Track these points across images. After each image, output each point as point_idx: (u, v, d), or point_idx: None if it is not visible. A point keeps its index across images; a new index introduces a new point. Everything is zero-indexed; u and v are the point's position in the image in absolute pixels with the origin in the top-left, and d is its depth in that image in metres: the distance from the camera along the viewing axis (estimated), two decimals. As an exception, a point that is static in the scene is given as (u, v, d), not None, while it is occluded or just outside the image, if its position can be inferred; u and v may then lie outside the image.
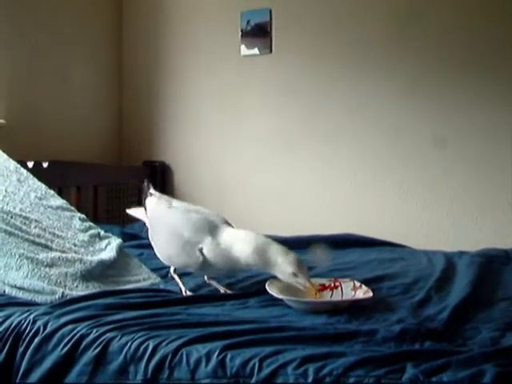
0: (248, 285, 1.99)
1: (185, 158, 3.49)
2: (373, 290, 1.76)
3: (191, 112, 3.49)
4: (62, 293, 1.75)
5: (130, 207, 3.31)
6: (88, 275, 1.88)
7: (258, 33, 3.29)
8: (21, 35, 3.10)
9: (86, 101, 3.44)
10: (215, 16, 3.41)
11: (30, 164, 2.65)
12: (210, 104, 3.44)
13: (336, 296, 1.78)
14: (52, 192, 2.33)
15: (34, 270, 1.82)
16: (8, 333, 1.54)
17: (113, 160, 3.57)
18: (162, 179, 3.48)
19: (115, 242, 2.14)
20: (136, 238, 2.80)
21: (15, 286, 1.78)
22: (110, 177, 3.30)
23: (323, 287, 1.82)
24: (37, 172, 2.50)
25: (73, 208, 2.31)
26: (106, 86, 3.61)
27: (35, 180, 2.35)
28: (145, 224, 2.05)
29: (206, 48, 3.44)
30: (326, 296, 1.79)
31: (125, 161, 3.60)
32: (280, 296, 1.72)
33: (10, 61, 3.05)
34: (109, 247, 2.10)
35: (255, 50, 3.30)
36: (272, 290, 1.75)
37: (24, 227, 1.99)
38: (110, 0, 3.63)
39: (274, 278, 1.77)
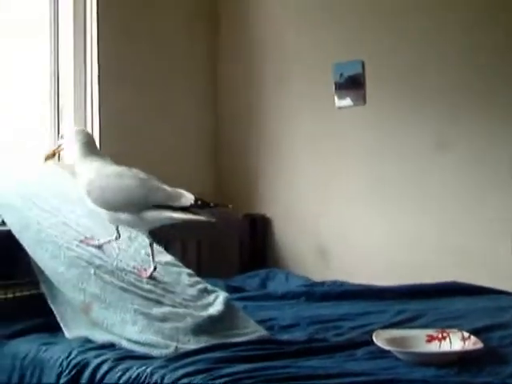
0: (354, 335, 2.01)
1: (285, 210, 3.54)
2: (483, 341, 1.74)
3: (288, 164, 3.55)
4: (176, 347, 1.82)
5: (231, 260, 3.45)
6: (198, 329, 1.94)
7: (352, 85, 3.33)
8: (125, 73, 3.30)
9: (186, 157, 3.59)
10: (309, 68, 3.48)
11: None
12: (306, 155, 3.49)
13: (444, 347, 1.77)
14: (160, 248, 2.44)
15: (148, 324, 1.90)
16: (128, 386, 1.63)
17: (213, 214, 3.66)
18: (263, 231, 3.55)
19: (222, 295, 2.21)
20: (239, 290, 2.88)
21: (131, 340, 1.88)
22: (212, 230, 3.39)
23: (431, 338, 1.81)
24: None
25: (180, 264, 2.41)
26: (202, 146, 3.75)
27: (144, 237, 2.46)
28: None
29: (301, 100, 3.51)
30: (434, 347, 1.77)
31: (225, 215, 3.69)
32: (388, 347, 1.72)
33: (115, 98, 3.23)
34: (217, 301, 2.16)
35: (349, 102, 3.35)
36: (379, 341, 1.76)
37: (137, 283, 2.09)
38: (207, 42, 3.79)
39: (381, 329, 1.78)
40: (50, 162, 2.35)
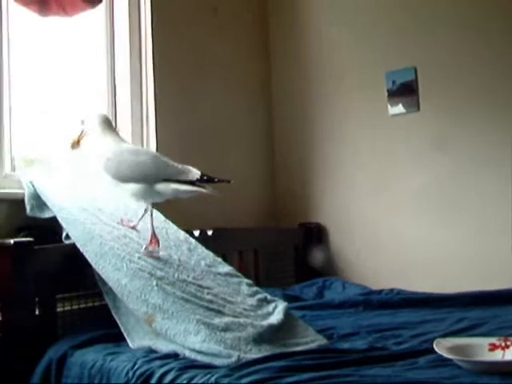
0: (415, 344, 2.01)
1: (339, 218, 3.55)
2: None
3: (342, 173, 3.56)
4: (238, 356, 1.85)
5: (288, 269, 3.48)
6: (259, 339, 1.98)
7: (404, 92, 3.33)
8: (186, 102, 3.37)
9: (242, 170, 3.63)
10: (361, 78, 3.49)
11: (197, 233, 2.83)
12: (359, 164, 3.50)
13: (508, 356, 1.75)
14: (219, 259, 2.49)
15: (210, 334, 1.94)
16: (194, 394, 1.67)
17: (269, 223, 3.71)
18: (318, 240, 3.56)
19: (281, 305, 2.24)
20: (297, 299, 2.90)
21: (194, 350, 1.92)
22: (268, 240, 3.42)
23: (493, 346, 1.79)
24: (202, 240, 2.68)
25: (239, 274, 2.45)
26: (258, 156, 3.80)
27: (203, 248, 2.52)
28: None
29: (354, 109, 3.52)
30: (498, 356, 1.76)
31: (281, 223, 3.73)
32: (450, 356, 1.72)
33: (177, 124, 3.30)
34: (276, 310, 2.20)
35: (402, 109, 3.34)
36: (440, 349, 1.75)
37: (198, 294, 2.14)
38: (260, 60, 3.85)
39: (442, 337, 1.78)
40: (76, 149, 2.47)
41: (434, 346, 1.78)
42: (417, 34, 3.28)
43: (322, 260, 3.06)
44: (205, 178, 2.24)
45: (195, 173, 2.25)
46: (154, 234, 2.35)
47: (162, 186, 2.27)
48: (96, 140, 2.39)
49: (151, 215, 2.38)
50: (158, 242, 2.35)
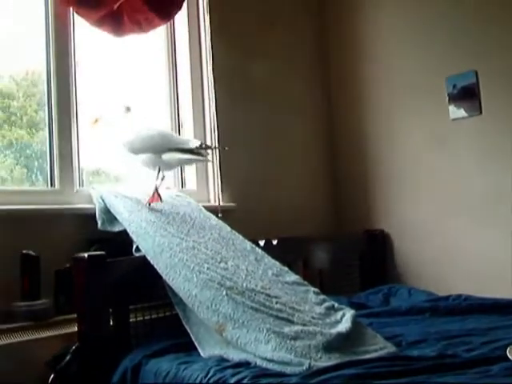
0: (487, 351, 1.99)
1: (403, 225, 3.54)
2: None
3: (405, 179, 3.56)
4: (309, 364, 1.87)
5: (353, 276, 3.48)
6: (329, 347, 2.00)
7: (466, 95, 3.30)
8: (252, 135, 3.45)
9: (307, 181, 3.70)
10: (421, 83, 3.49)
11: (262, 242, 2.87)
12: (421, 169, 3.49)
13: None
14: (286, 268, 2.53)
15: (280, 343, 1.97)
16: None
17: (333, 230, 3.73)
18: (382, 248, 3.56)
19: (349, 313, 2.26)
20: (363, 307, 2.90)
21: (265, 359, 1.95)
22: (332, 248, 3.43)
23: None
24: (268, 249, 2.71)
25: (306, 282, 2.48)
26: (322, 175, 3.85)
27: (269, 258, 2.56)
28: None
29: (415, 114, 3.52)
30: None
31: (345, 231, 3.74)
32: (524, 363, 1.70)
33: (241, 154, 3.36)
34: (344, 318, 2.22)
35: (464, 113, 3.32)
36: (514, 356, 1.74)
37: (267, 303, 2.17)
38: (320, 71, 3.94)
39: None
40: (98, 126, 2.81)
41: (507, 354, 1.76)
42: (476, 37, 3.26)
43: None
44: (203, 145, 2.68)
45: (194, 142, 2.66)
46: (157, 193, 2.70)
47: (167, 156, 2.66)
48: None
49: (161, 179, 2.72)
50: (160, 199, 2.70)
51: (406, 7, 3.59)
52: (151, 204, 2.67)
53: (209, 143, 3.25)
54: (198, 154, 2.63)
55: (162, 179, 2.72)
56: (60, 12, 2.83)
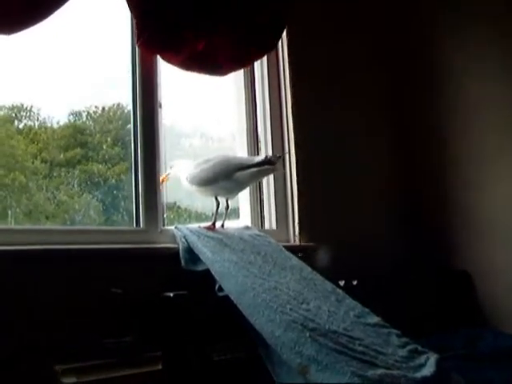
0: None
1: (484, 265, 3.46)
2: None
3: (485, 215, 3.49)
4: (394, 408, 1.87)
5: (429, 317, 3.41)
6: (414, 391, 1.98)
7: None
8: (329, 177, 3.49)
9: (380, 221, 3.68)
10: (498, 114, 3.46)
11: (342, 283, 2.87)
12: (501, 207, 3.43)
13: None
14: (367, 310, 2.52)
15: (365, 386, 1.97)
16: None
17: (409, 270, 3.68)
18: (462, 287, 3.49)
19: (433, 356, 2.23)
20: (445, 349, 2.83)
21: (349, 402, 1.95)
22: (409, 287, 3.38)
23: None
24: (348, 290, 2.71)
25: (387, 324, 2.46)
26: (396, 214, 3.83)
27: (351, 299, 2.56)
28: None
29: (490, 148, 3.48)
30: None
31: (420, 270, 3.68)
32: None
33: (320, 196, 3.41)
34: (428, 362, 2.19)
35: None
36: None
37: (350, 345, 2.17)
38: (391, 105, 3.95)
39: None
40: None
41: None
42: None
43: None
44: (268, 158, 2.79)
45: (260, 157, 2.82)
46: (215, 224, 2.85)
47: (238, 175, 2.78)
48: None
49: (226, 209, 2.89)
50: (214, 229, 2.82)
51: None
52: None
53: (288, 184, 3.32)
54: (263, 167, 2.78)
55: (227, 209, 2.89)
56: (146, 58, 2.95)
